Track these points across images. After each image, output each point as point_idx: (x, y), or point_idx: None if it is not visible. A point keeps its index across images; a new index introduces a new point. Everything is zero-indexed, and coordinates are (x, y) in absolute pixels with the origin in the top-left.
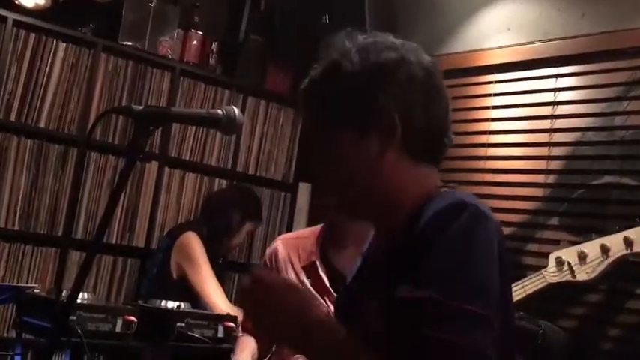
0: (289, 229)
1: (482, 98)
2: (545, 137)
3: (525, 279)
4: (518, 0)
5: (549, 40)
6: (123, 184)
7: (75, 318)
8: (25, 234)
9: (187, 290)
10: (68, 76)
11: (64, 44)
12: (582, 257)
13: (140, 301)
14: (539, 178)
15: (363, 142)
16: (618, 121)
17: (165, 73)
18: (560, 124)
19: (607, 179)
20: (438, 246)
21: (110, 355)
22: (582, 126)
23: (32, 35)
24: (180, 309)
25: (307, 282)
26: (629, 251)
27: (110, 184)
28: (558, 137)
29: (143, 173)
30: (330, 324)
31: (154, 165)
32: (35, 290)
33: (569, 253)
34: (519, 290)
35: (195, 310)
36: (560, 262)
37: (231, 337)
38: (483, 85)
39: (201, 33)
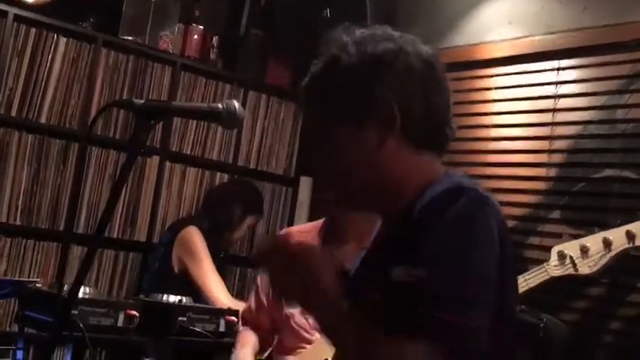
0: (291, 224)
1: (483, 92)
2: (547, 130)
3: (528, 272)
4: None
5: (551, 34)
6: (124, 178)
7: (77, 312)
8: (26, 229)
9: (189, 284)
10: (69, 71)
11: (65, 39)
12: (585, 251)
13: (142, 296)
14: (541, 172)
15: (362, 134)
16: (620, 114)
17: (166, 67)
18: (561, 117)
19: (608, 172)
20: (434, 230)
21: (112, 350)
22: (584, 119)
23: (33, 30)
24: (182, 303)
25: None
26: (631, 245)
27: (111, 179)
28: (560, 130)
29: (144, 167)
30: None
31: (155, 159)
32: (37, 285)
33: (571, 247)
34: (522, 283)
35: (197, 305)
36: (562, 256)
37: (232, 332)
38: (485, 79)
39: (201, 27)
